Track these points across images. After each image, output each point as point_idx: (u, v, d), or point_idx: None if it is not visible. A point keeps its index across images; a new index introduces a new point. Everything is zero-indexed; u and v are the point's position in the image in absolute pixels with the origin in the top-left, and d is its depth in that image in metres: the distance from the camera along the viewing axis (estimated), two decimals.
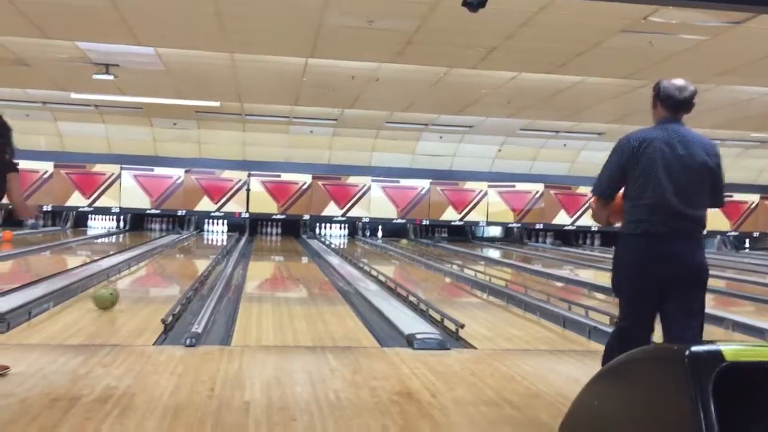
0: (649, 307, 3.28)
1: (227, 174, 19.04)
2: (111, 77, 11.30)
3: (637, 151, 3.32)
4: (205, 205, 18.98)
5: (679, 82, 3.42)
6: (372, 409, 3.66)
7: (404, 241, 19.01)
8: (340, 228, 19.99)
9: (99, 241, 16.56)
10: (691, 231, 3.28)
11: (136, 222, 19.26)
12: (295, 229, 19.47)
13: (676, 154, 3.28)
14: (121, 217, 19.20)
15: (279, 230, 19.76)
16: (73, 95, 14.12)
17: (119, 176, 18.65)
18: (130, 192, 18.66)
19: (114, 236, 17.87)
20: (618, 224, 3.47)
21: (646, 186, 3.28)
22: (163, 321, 5.62)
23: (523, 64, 10.05)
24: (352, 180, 19.50)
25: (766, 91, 11.42)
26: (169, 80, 12.04)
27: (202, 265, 10.95)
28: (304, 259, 13.43)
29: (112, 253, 12.27)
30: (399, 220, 19.84)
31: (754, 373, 1.86)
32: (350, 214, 19.57)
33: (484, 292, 8.76)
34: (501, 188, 20.01)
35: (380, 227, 20.22)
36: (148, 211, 18.95)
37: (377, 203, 19.60)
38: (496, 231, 21.33)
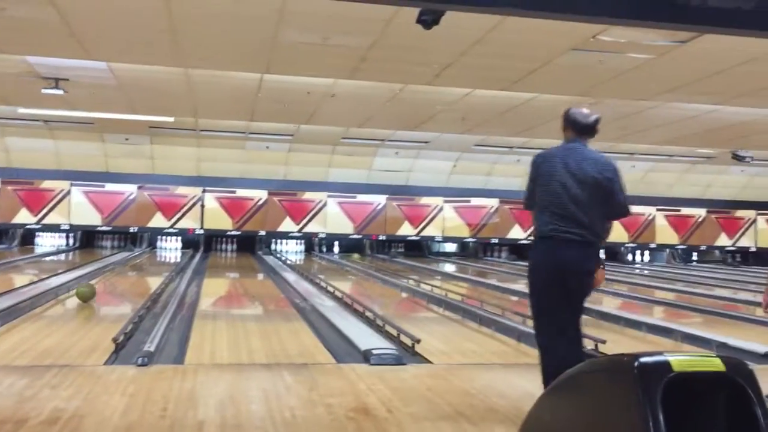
0: (555, 305, 3.68)
1: (181, 190, 18.79)
2: (61, 92, 11.08)
3: (539, 166, 3.82)
4: (159, 221, 18.69)
5: (585, 110, 3.92)
6: (328, 426, 3.64)
7: (356, 256, 18.99)
8: (297, 244, 19.89)
9: (48, 259, 16.15)
10: (582, 237, 3.66)
11: (86, 239, 18.84)
12: (250, 245, 19.29)
13: (569, 169, 3.71)
14: (71, 235, 18.77)
15: (234, 246, 19.55)
16: (21, 110, 13.80)
17: (69, 193, 18.24)
18: (80, 209, 18.26)
19: (63, 254, 17.44)
20: None
21: (544, 196, 3.74)
22: (114, 340, 5.50)
23: (476, 81, 10.18)
24: (308, 196, 19.43)
25: (711, 108, 11.77)
26: (121, 95, 11.86)
27: (155, 282, 10.76)
28: (260, 276, 13.31)
29: (61, 271, 11.97)
30: (355, 236, 19.82)
31: (702, 382, 1.90)
32: (306, 229, 19.49)
33: (440, 306, 8.80)
34: (456, 203, 20.18)
35: (337, 243, 20.17)
36: (99, 228, 18.57)
37: (334, 219, 19.56)
38: (452, 246, 21.47)
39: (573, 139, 3.87)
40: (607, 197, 3.75)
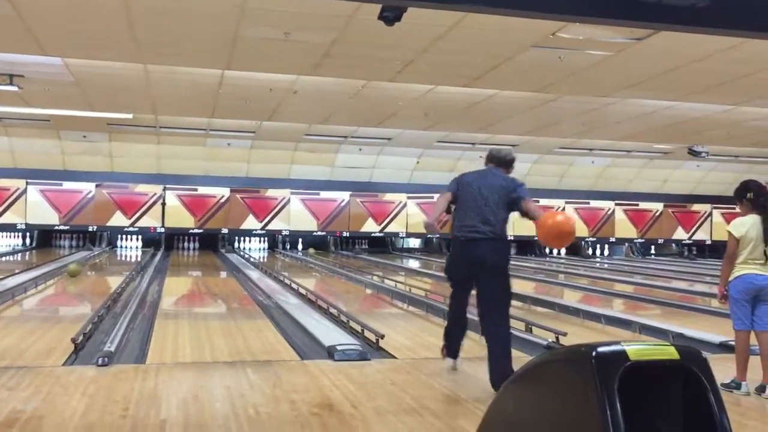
0: (462, 291, 4.90)
1: (141, 188, 18.53)
2: (15, 88, 10.82)
3: (460, 184, 4.76)
4: (118, 220, 18.40)
5: (504, 150, 4.99)
6: (292, 422, 3.63)
7: (311, 250, 18.90)
8: (260, 241, 19.76)
9: (3, 259, 15.79)
10: (489, 236, 4.56)
11: (43, 239, 18.46)
12: (213, 243, 19.12)
13: (480, 185, 4.65)
14: (27, 234, 18.37)
15: (196, 245, 19.35)
16: None
17: (25, 191, 17.85)
18: (36, 207, 17.88)
19: (19, 254, 17.06)
20: (440, 231, 5.00)
21: (460, 206, 4.69)
22: (73, 340, 5.40)
23: (438, 77, 10.23)
24: (271, 193, 19.32)
25: (668, 105, 12.02)
26: (78, 91, 11.64)
27: (115, 282, 10.60)
28: (223, 274, 13.19)
29: (17, 271, 11.71)
30: (319, 233, 19.78)
31: (658, 371, 1.95)
32: (270, 227, 19.38)
33: (404, 302, 8.83)
34: (420, 199, 20.26)
35: (300, 240, 20.10)
36: (56, 227, 18.21)
37: (297, 216, 19.49)
38: (415, 242, 21.55)
39: (490, 168, 4.85)
40: (510, 200, 4.63)
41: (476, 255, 4.54)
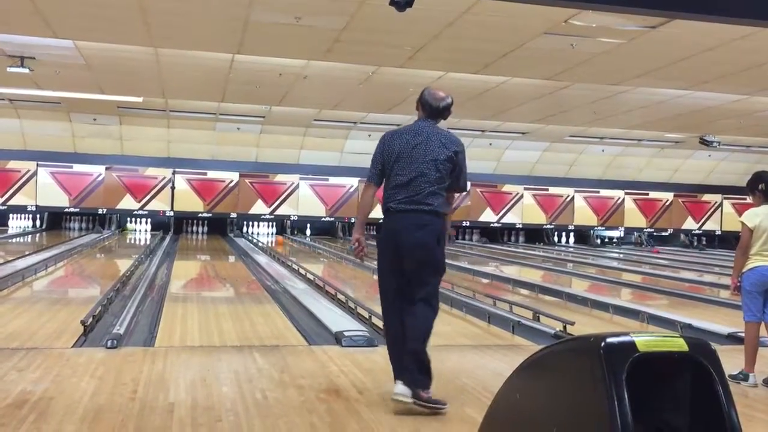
0: (395, 270, 3.82)
1: (151, 171, 18.57)
2: (26, 70, 10.84)
3: (388, 143, 3.92)
4: (128, 203, 18.47)
5: (439, 94, 3.95)
6: (299, 408, 3.65)
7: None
8: (268, 226, 19.79)
9: (14, 240, 15.88)
10: (420, 211, 3.74)
11: (53, 221, 18.55)
12: (221, 227, 19.17)
13: (411, 146, 3.82)
14: (38, 216, 18.47)
15: (205, 229, 19.40)
16: None
17: (35, 173, 17.93)
18: (47, 190, 17.96)
19: (30, 236, 17.16)
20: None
21: (390, 172, 3.87)
22: (83, 323, 5.44)
23: (449, 64, 10.18)
24: (280, 178, 19.33)
25: (680, 94, 11.92)
26: (89, 74, 11.65)
27: (124, 265, 10.66)
28: (231, 258, 13.24)
29: (27, 253, 11.79)
30: (328, 218, 19.80)
31: (666, 362, 1.94)
32: (278, 212, 19.40)
33: None
34: None
35: (309, 225, 20.13)
36: (66, 210, 18.30)
37: (306, 201, 19.50)
38: None
39: (422, 119, 3.96)
40: (451, 172, 3.85)
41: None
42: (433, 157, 3.79)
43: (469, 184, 20.28)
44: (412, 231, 3.74)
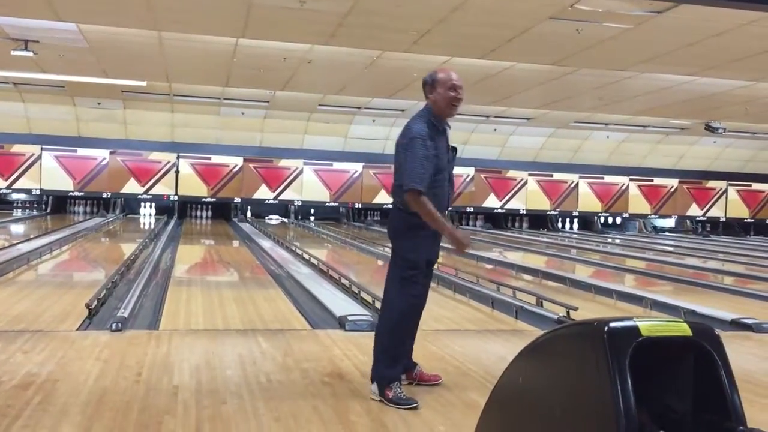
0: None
1: (155, 156, 18.57)
2: (30, 54, 10.83)
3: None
4: (132, 187, 18.49)
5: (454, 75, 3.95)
6: (303, 391, 3.67)
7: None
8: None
9: (18, 224, 15.93)
10: (395, 202, 3.74)
11: (58, 205, 18.60)
12: (225, 212, 19.19)
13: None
14: (42, 199, 18.52)
15: (209, 213, 19.44)
16: None
17: (40, 157, 17.95)
18: (51, 173, 17.99)
19: (34, 219, 17.21)
20: None
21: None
22: (88, 306, 5.47)
23: (454, 49, 10.13)
24: (284, 163, 19.32)
25: (685, 80, 11.85)
26: (93, 58, 11.62)
27: (128, 248, 10.69)
28: (235, 243, 13.26)
29: (32, 236, 11.83)
30: (332, 203, 19.80)
31: (670, 347, 1.94)
32: (282, 197, 19.42)
33: None
34: None
35: (313, 210, 20.14)
36: (71, 194, 18.33)
37: (310, 186, 19.50)
38: None
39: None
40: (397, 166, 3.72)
41: None
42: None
43: (473, 169, 20.45)
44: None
